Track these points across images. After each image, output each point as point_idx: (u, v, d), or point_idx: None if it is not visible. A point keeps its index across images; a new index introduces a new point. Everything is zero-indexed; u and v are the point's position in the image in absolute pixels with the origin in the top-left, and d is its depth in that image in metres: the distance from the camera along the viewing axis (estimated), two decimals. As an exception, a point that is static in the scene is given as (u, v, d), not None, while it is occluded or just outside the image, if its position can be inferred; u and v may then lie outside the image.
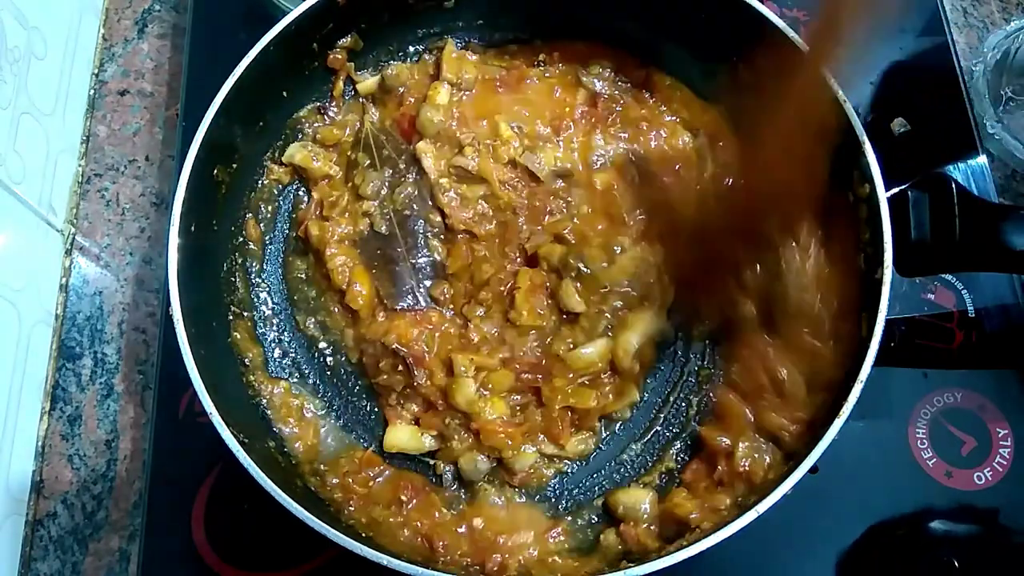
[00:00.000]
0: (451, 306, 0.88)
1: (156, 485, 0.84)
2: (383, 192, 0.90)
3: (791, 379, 0.78)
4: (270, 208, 0.92)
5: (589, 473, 0.85)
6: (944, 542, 0.82)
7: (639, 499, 0.79)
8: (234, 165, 0.86)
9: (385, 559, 0.67)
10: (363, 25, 0.92)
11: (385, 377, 0.85)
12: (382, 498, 0.81)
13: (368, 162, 0.92)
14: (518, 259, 0.88)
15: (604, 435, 0.86)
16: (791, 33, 0.81)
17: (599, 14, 0.94)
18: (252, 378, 0.84)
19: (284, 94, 0.91)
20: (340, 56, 0.93)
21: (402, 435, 0.84)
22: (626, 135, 0.92)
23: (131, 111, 1.04)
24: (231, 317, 0.86)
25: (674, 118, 0.94)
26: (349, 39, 0.92)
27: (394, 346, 0.83)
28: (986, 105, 0.99)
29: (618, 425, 0.87)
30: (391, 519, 0.80)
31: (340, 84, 0.94)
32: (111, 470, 0.89)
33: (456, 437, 0.82)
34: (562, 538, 0.81)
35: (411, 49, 0.97)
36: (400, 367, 0.84)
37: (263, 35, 0.83)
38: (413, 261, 0.89)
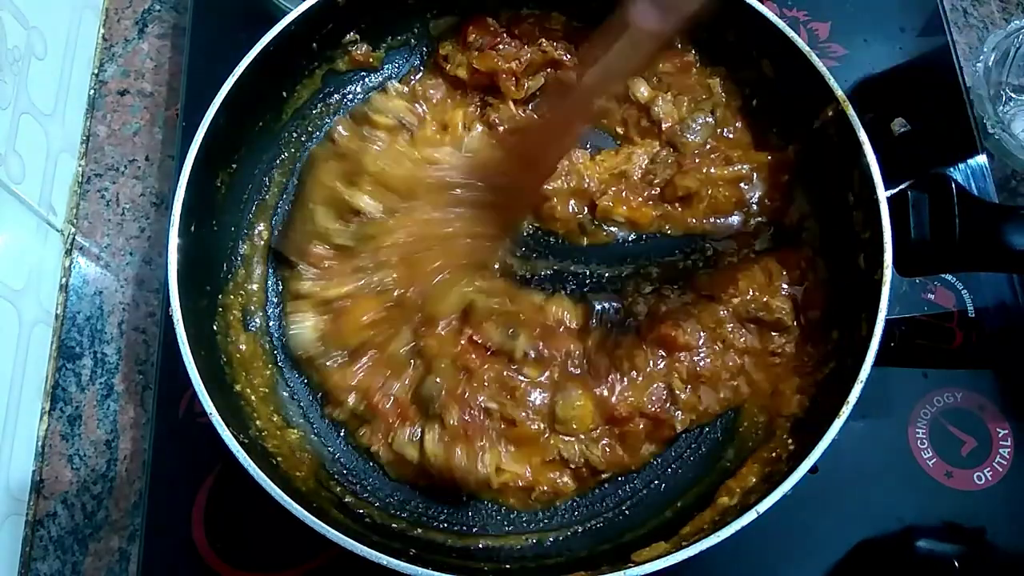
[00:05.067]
0: None
1: (156, 485, 0.84)
2: None
3: None
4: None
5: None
6: (945, 543, 0.82)
7: None
8: (234, 165, 0.86)
9: (385, 559, 0.67)
10: (363, 25, 0.92)
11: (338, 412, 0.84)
12: None
13: None
14: None
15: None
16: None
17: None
18: (252, 378, 0.84)
19: (284, 94, 0.91)
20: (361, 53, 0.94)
21: None
22: None
23: (131, 111, 1.04)
24: (231, 317, 0.86)
25: None
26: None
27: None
28: (986, 105, 0.99)
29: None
30: None
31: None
32: (111, 470, 0.88)
33: None
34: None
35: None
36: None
37: (263, 35, 0.83)
38: None
